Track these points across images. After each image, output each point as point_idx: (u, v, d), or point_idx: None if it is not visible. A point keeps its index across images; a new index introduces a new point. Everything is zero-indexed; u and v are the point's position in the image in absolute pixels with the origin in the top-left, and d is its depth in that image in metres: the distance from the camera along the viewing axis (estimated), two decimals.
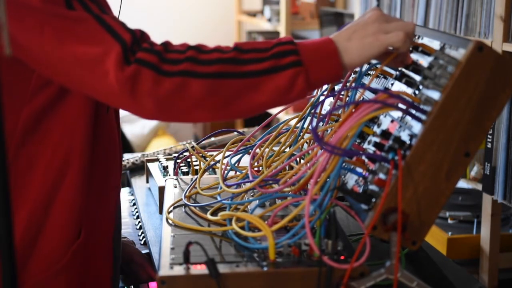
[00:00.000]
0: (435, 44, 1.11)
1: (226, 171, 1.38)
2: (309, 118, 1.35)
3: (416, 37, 1.18)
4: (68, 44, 1.03)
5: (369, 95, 1.27)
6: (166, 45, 1.07)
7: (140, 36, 1.06)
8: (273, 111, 3.74)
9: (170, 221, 1.21)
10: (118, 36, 1.03)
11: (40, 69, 1.08)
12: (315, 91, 1.44)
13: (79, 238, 1.17)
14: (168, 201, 1.32)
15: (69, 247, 1.16)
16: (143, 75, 1.02)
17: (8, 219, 0.68)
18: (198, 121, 1.10)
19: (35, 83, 1.10)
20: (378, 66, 1.26)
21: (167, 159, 1.74)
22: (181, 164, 1.61)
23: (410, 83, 1.11)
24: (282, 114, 3.36)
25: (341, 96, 1.29)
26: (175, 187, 1.41)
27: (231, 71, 1.03)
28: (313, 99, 1.38)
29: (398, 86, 1.17)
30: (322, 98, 1.33)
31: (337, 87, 1.38)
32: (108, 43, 1.03)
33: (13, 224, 0.70)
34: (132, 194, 1.84)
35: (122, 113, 1.29)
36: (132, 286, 1.50)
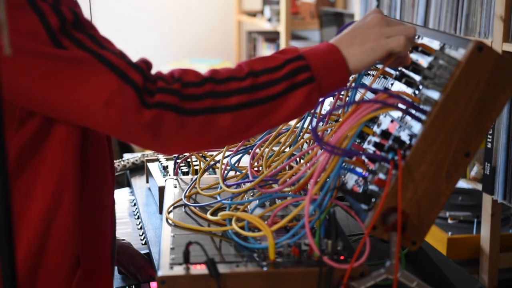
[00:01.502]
0: (435, 44, 1.11)
1: (226, 171, 1.38)
2: (309, 118, 1.35)
3: (416, 37, 1.18)
4: (70, 91, 0.97)
5: (369, 95, 1.27)
6: (181, 79, 1.02)
7: (147, 69, 1.01)
8: None
9: (170, 221, 1.21)
10: (127, 77, 0.98)
11: (40, 111, 1.03)
12: None
13: (78, 267, 1.12)
14: (168, 201, 1.32)
15: (71, 279, 1.11)
16: (166, 118, 0.99)
17: (10, 229, 0.68)
18: (221, 148, 1.10)
19: (21, 114, 1.04)
20: (379, 66, 1.26)
21: (167, 159, 1.74)
22: (181, 164, 1.61)
23: (410, 83, 1.11)
24: None
25: (341, 96, 1.29)
26: (175, 187, 1.41)
27: (251, 100, 1.03)
28: None
29: (398, 86, 1.17)
30: (321, 98, 1.33)
31: None
32: (116, 85, 0.97)
33: (15, 248, 0.69)
34: (132, 194, 1.84)
35: None
36: (133, 286, 1.50)
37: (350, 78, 1.31)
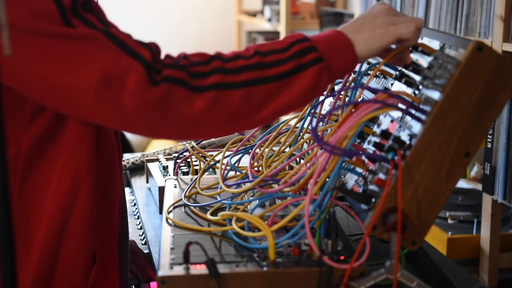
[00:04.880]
0: (435, 44, 1.11)
1: (226, 171, 1.38)
2: (309, 118, 1.35)
3: None
4: (79, 68, 0.95)
5: (369, 95, 1.27)
6: (188, 58, 1.01)
7: (156, 50, 1.00)
8: None
9: (170, 221, 1.21)
10: (136, 54, 0.97)
11: (42, 100, 1.00)
12: None
13: (94, 261, 1.12)
14: (168, 201, 1.32)
15: (87, 274, 1.10)
16: (176, 93, 0.97)
17: (9, 217, 0.68)
18: (232, 133, 1.07)
19: (32, 108, 1.03)
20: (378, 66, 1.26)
21: (167, 159, 1.74)
22: (181, 164, 1.61)
23: (410, 83, 1.11)
24: None
25: (340, 96, 1.29)
26: (175, 187, 1.41)
27: (260, 77, 1.01)
28: None
29: (398, 86, 1.17)
30: (322, 98, 1.33)
31: (337, 87, 1.38)
32: (125, 62, 0.95)
33: (13, 233, 0.69)
34: (132, 194, 1.84)
35: None
36: (133, 286, 1.50)
37: (350, 78, 1.31)
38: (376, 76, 1.27)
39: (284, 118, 1.56)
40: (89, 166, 1.08)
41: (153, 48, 1.00)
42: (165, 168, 1.65)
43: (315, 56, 1.03)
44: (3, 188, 0.67)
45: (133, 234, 1.63)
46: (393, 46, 1.11)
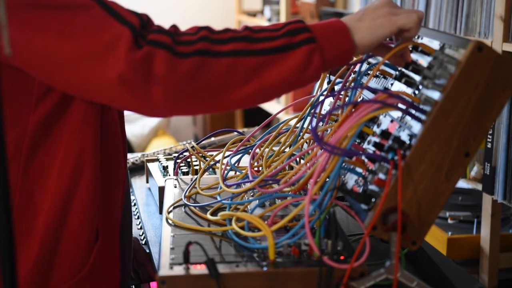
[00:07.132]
0: (435, 44, 1.11)
1: (226, 171, 1.38)
2: (309, 118, 1.35)
3: (416, 37, 1.18)
4: (74, 37, 0.99)
5: (369, 95, 1.27)
6: (176, 27, 1.04)
7: (146, 20, 1.03)
8: (273, 110, 3.74)
9: (170, 221, 1.21)
10: (126, 21, 1.00)
11: (40, 73, 1.04)
12: (315, 90, 1.44)
13: (96, 241, 1.13)
14: (168, 201, 1.32)
15: (89, 252, 1.12)
16: (157, 55, 0.98)
17: (8, 211, 0.68)
18: (218, 110, 1.05)
19: (39, 89, 1.06)
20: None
21: (167, 159, 1.74)
22: (181, 164, 1.61)
23: (409, 83, 1.11)
24: (282, 114, 3.35)
25: (340, 96, 1.28)
26: (175, 187, 1.41)
27: (247, 49, 1.01)
28: (313, 99, 1.38)
29: (398, 86, 1.17)
30: (322, 98, 1.33)
31: (337, 87, 1.38)
32: (115, 29, 0.99)
33: (12, 219, 0.70)
34: (132, 194, 1.84)
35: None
36: (133, 287, 1.50)
37: (350, 78, 1.31)
38: (376, 76, 1.27)
39: (284, 118, 1.55)
40: (93, 147, 1.11)
41: (143, 17, 1.03)
42: (165, 168, 1.65)
43: (307, 36, 1.03)
44: (3, 171, 0.67)
45: (133, 234, 1.63)
46: (392, 46, 1.11)
